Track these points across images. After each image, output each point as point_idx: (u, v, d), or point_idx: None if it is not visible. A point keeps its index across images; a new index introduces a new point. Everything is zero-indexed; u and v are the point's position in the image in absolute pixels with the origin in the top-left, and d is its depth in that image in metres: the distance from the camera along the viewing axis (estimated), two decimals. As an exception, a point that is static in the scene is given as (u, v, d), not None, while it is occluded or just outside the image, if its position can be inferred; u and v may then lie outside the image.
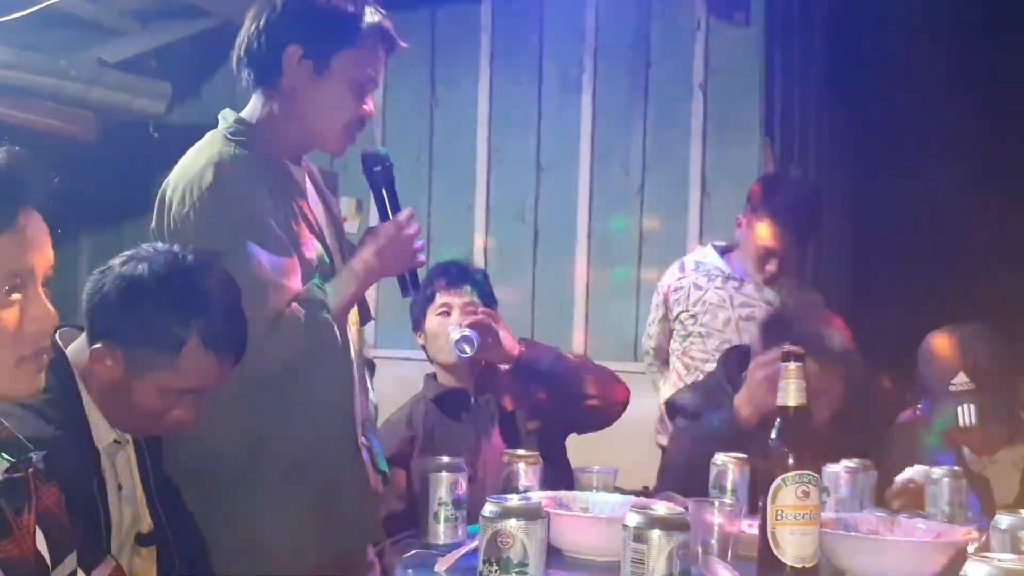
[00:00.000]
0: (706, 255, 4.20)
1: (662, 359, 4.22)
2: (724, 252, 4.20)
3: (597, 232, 5.55)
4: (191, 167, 2.52)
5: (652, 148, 5.50)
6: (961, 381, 2.92)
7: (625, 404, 3.45)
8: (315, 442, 2.54)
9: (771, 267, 4.02)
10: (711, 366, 3.97)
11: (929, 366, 3.07)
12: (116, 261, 2.19)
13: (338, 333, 2.50)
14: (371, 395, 2.90)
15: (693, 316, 4.08)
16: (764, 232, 3.96)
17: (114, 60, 5.56)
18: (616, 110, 5.60)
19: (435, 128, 5.84)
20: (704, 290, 4.09)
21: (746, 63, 5.39)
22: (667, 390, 4.12)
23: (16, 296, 1.60)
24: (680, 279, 4.13)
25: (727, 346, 3.99)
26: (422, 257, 2.63)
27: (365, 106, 2.60)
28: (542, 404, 3.39)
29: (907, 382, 3.29)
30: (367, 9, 2.57)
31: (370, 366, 2.99)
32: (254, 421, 2.50)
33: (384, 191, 2.64)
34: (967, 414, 2.89)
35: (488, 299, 3.46)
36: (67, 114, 5.36)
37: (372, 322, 2.99)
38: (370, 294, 3.00)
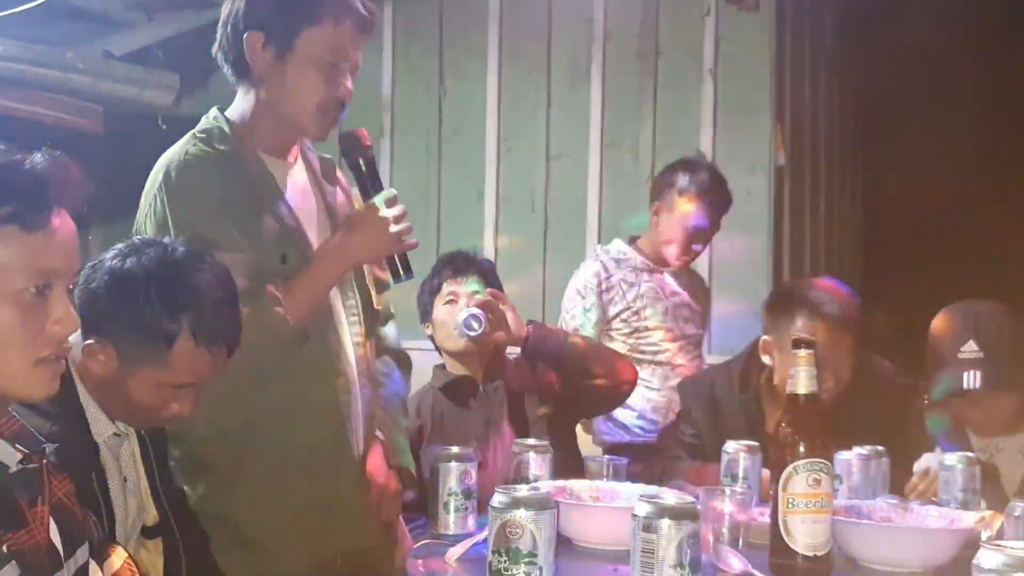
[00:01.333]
0: (622, 251, 4.18)
1: None
2: (631, 244, 4.22)
3: (608, 220, 5.53)
4: (154, 169, 2.54)
5: (662, 135, 5.48)
6: (970, 349, 2.95)
7: (633, 383, 3.45)
8: (295, 437, 2.50)
9: (698, 247, 4.09)
10: (664, 356, 4.09)
11: (940, 336, 3.08)
12: (107, 255, 2.17)
13: (290, 325, 2.40)
14: (393, 387, 2.86)
15: (636, 312, 4.08)
16: (693, 212, 4.00)
17: (121, 52, 5.55)
18: (626, 97, 5.58)
19: (444, 118, 5.83)
20: (636, 284, 4.10)
21: (756, 49, 5.36)
22: None
23: (42, 297, 1.61)
24: (608, 278, 4.11)
25: (671, 335, 4.08)
26: (412, 240, 2.50)
27: (338, 87, 2.52)
28: (551, 387, 3.38)
29: (917, 371, 3.29)
30: None
31: (400, 359, 2.93)
32: (232, 417, 2.47)
33: (363, 172, 2.57)
34: (973, 379, 2.90)
35: (495, 288, 3.45)
36: (75, 107, 5.35)
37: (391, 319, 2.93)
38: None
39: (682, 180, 4.06)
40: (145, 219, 2.48)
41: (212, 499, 2.47)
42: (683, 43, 5.49)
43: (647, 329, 4.08)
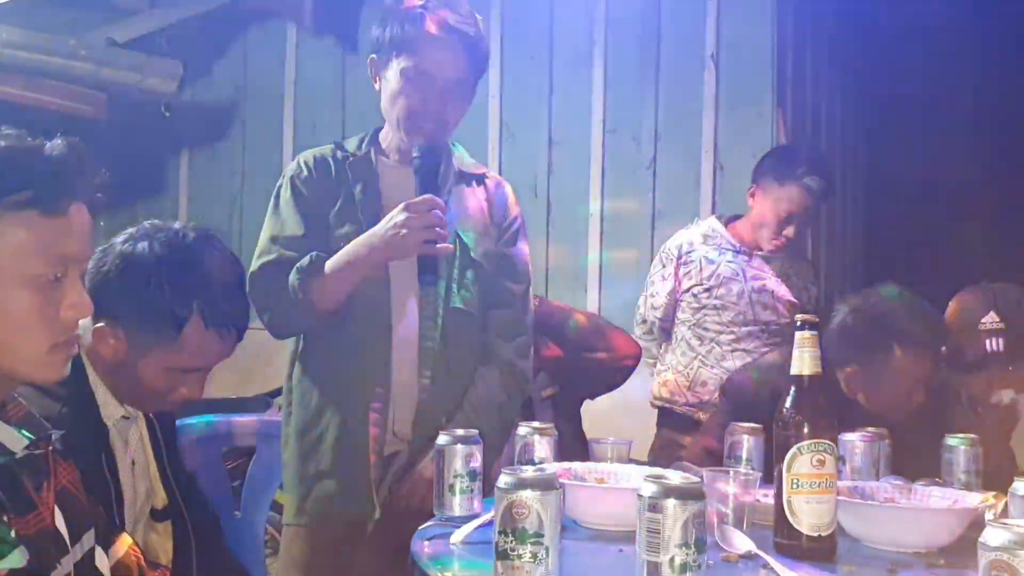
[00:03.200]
0: (714, 227, 4.21)
1: (666, 329, 4.23)
2: (728, 225, 4.23)
3: (610, 205, 5.54)
4: None
5: (664, 120, 5.48)
6: (991, 320, 2.98)
7: (637, 359, 3.47)
8: (332, 403, 2.80)
9: (789, 232, 4.08)
10: (725, 337, 4.08)
11: (961, 310, 3.12)
12: (118, 239, 2.19)
13: (314, 304, 2.67)
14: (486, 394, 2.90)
15: (708, 289, 4.09)
16: (787, 198, 4.03)
17: (124, 39, 5.56)
18: (627, 83, 5.58)
19: (446, 103, 5.82)
20: (716, 263, 4.12)
21: (758, 34, 5.36)
22: (674, 359, 4.17)
23: (57, 282, 1.62)
24: (690, 252, 4.14)
25: (741, 318, 4.07)
26: (442, 247, 2.66)
27: (426, 102, 2.77)
28: (556, 364, 3.39)
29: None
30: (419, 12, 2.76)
31: (513, 375, 2.98)
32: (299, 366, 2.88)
33: (419, 173, 2.73)
34: (996, 344, 2.94)
35: None
36: (78, 94, 5.37)
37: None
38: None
39: (780, 165, 4.09)
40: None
41: (284, 447, 2.90)
42: (685, 28, 5.49)
43: (715, 308, 4.10)
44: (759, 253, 4.16)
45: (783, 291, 4.16)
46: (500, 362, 2.92)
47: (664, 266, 4.19)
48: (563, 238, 5.54)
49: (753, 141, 5.18)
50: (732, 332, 4.09)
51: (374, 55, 2.86)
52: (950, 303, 3.20)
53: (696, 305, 4.10)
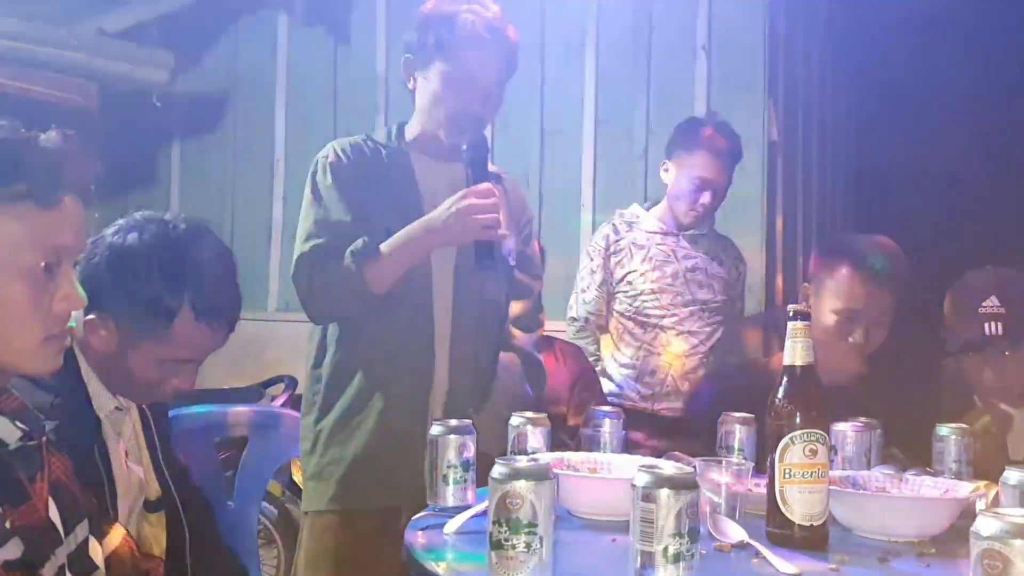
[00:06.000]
0: (637, 214, 4.24)
1: (600, 324, 4.23)
2: (649, 210, 4.27)
3: (601, 195, 5.54)
4: None
5: (656, 112, 5.49)
6: (992, 304, 3.00)
7: None
8: (383, 388, 2.85)
9: (705, 199, 4.10)
10: (668, 321, 4.11)
11: (961, 294, 3.13)
12: (108, 231, 2.18)
13: (366, 285, 2.73)
14: (508, 380, 2.99)
15: (642, 275, 4.11)
16: (699, 164, 4.07)
17: (115, 30, 5.55)
18: (619, 74, 5.59)
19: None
20: (646, 247, 4.15)
21: (749, 25, 5.37)
22: (617, 354, 4.19)
23: (50, 274, 1.62)
24: (617, 240, 4.16)
25: (679, 299, 4.10)
26: (500, 232, 2.76)
27: (471, 102, 2.87)
28: None
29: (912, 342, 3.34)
30: (462, 17, 2.86)
31: (530, 363, 3.06)
32: (339, 355, 2.90)
33: (473, 164, 2.83)
34: (995, 328, 2.96)
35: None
36: (69, 84, 5.36)
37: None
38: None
39: (686, 134, 4.13)
40: (307, 182, 2.93)
41: (308, 435, 2.92)
42: (677, 20, 5.50)
43: (652, 292, 4.11)
44: (685, 233, 4.18)
45: (715, 268, 4.21)
46: (522, 354, 3.05)
47: (592, 259, 4.20)
48: (555, 229, 5.55)
49: (745, 132, 5.17)
50: (674, 315, 4.12)
51: (409, 55, 2.95)
52: (954, 284, 3.22)
53: (633, 292, 4.12)
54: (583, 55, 5.65)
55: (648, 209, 4.27)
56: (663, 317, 4.12)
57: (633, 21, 5.56)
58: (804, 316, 2.10)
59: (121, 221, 2.20)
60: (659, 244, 4.15)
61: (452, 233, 2.75)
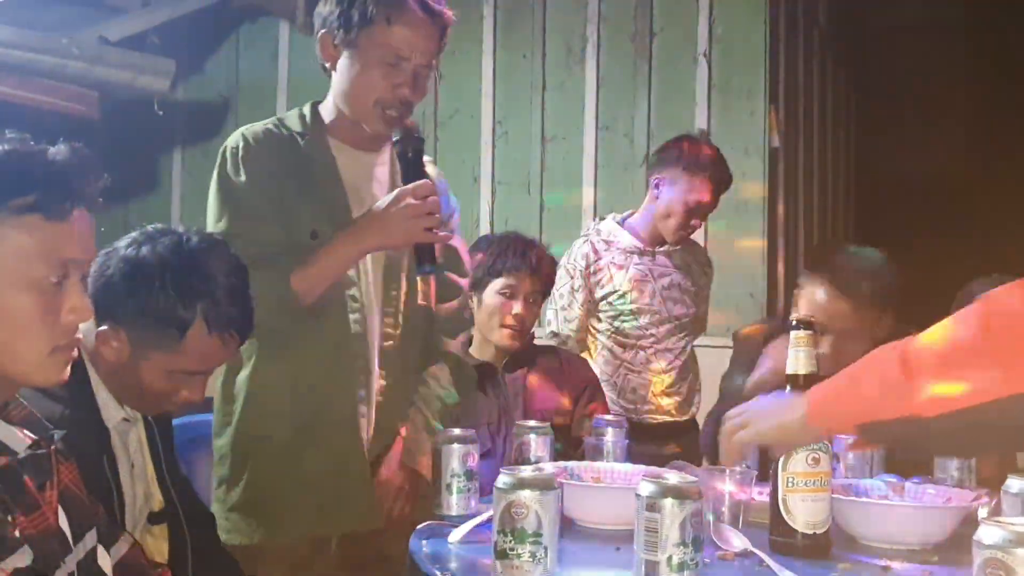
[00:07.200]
0: (613, 232, 4.18)
1: (581, 340, 4.22)
2: (623, 224, 4.22)
3: (603, 201, 5.55)
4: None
5: (657, 117, 5.50)
6: None
7: None
8: (308, 411, 2.60)
9: (696, 223, 4.10)
10: (646, 341, 4.08)
11: (967, 298, 3.14)
12: (121, 243, 2.19)
13: (296, 296, 2.51)
14: (439, 392, 2.88)
15: (622, 295, 4.09)
16: (698, 188, 4.02)
17: (116, 38, 5.54)
18: (620, 80, 5.60)
19: (439, 101, 5.84)
20: (625, 267, 4.10)
21: (750, 30, 5.38)
22: (596, 370, 4.09)
23: (59, 286, 1.63)
24: (597, 260, 4.13)
25: (656, 318, 4.08)
26: (442, 234, 2.59)
27: (400, 86, 2.60)
28: None
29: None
30: None
31: (455, 367, 2.96)
32: (251, 381, 2.61)
33: (409, 161, 2.63)
34: None
35: (549, 288, 3.60)
36: (70, 93, 5.35)
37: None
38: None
39: (686, 154, 4.06)
40: (213, 176, 2.66)
41: (225, 461, 2.64)
42: (677, 25, 5.51)
43: (632, 313, 4.09)
44: (660, 249, 4.15)
45: (687, 283, 4.18)
46: (450, 359, 2.90)
47: (572, 278, 4.13)
48: (556, 235, 5.55)
49: (745, 138, 5.20)
50: (652, 335, 4.09)
51: (326, 31, 2.64)
52: (958, 293, 3.23)
53: (612, 313, 4.09)
54: (584, 60, 5.66)
55: (622, 223, 4.22)
56: (641, 338, 4.09)
57: (634, 26, 5.57)
58: (807, 325, 2.11)
59: (134, 234, 2.20)
60: (637, 264, 4.11)
61: (391, 236, 2.55)
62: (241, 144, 2.63)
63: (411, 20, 2.58)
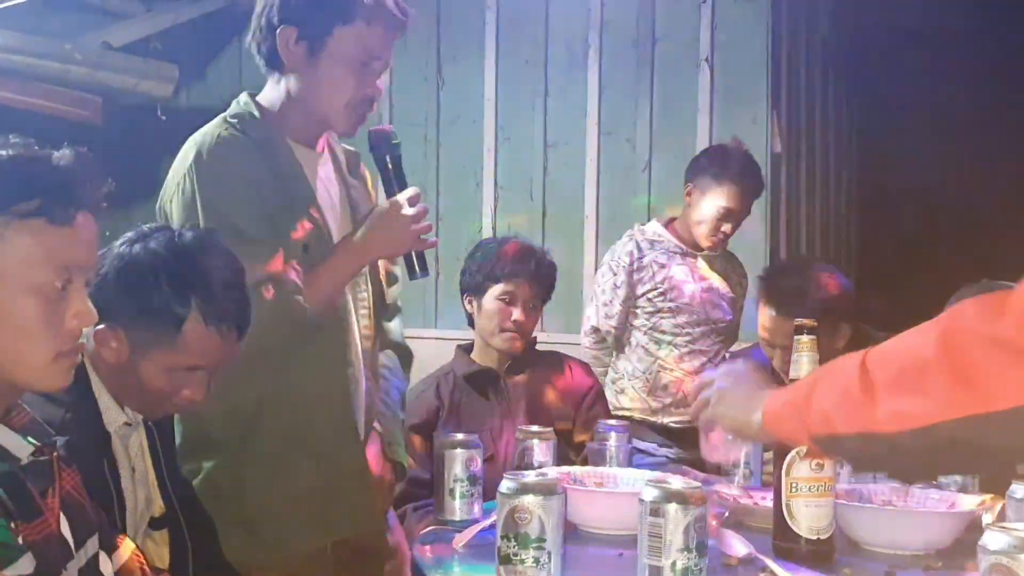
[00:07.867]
0: (658, 232, 4.30)
1: (619, 336, 4.26)
2: (667, 227, 4.34)
3: (605, 207, 5.55)
4: (183, 150, 2.55)
5: (659, 123, 5.50)
6: None
7: None
8: (304, 424, 2.53)
9: (727, 229, 4.20)
10: (681, 340, 4.20)
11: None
12: (116, 243, 2.19)
13: (308, 313, 2.43)
14: (395, 382, 2.87)
15: (662, 293, 4.19)
16: (726, 194, 4.14)
17: (119, 43, 5.55)
18: (623, 86, 5.59)
19: (442, 107, 5.83)
20: (667, 267, 4.21)
21: (753, 36, 5.37)
22: (629, 366, 4.25)
23: (63, 290, 1.63)
24: (640, 258, 4.21)
25: (694, 318, 4.19)
26: (432, 239, 2.57)
27: (368, 85, 2.54)
28: None
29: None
30: None
31: (402, 354, 2.94)
32: (244, 397, 2.50)
33: (388, 169, 2.59)
34: None
35: (549, 293, 3.58)
36: (73, 98, 5.35)
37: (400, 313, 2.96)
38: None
39: (716, 163, 4.19)
40: (171, 199, 2.50)
41: (217, 477, 2.51)
42: (680, 31, 5.50)
43: (671, 311, 4.18)
44: (701, 253, 4.27)
45: (726, 288, 4.31)
46: (396, 347, 2.89)
47: (616, 274, 4.23)
48: (559, 241, 5.55)
49: (749, 143, 5.19)
50: (688, 334, 4.20)
51: (287, 26, 2.50)
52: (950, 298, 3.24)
53: (651, 309, 4.19)
54: (586, 67, 5.65)
55: (665, 225, 4.32)
56: (676, 336, 4.20)
57: (636, 33, 5.56)
58: (810, 330, 2.11)
59: (128, 234, 2.21)
60: (679, 264, 4.22)
61: (394, 246, 2.55)
62: (205, 152, 2.47)
63: (388, 21, 2.53)
